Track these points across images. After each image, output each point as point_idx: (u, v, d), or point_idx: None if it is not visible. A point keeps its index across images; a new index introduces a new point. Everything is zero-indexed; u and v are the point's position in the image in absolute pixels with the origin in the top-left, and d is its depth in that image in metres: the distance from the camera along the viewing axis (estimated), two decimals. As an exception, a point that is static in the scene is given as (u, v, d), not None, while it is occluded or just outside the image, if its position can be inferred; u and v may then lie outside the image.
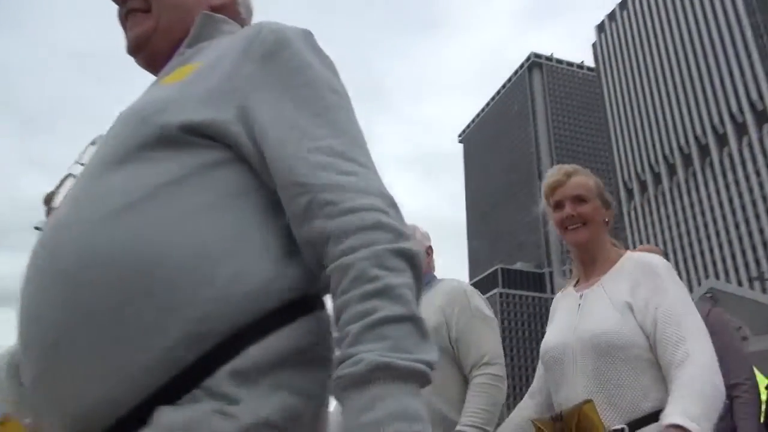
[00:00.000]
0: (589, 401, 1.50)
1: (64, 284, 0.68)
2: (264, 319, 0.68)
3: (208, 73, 0.80)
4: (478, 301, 2.19)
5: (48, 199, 0.95)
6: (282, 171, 0.72)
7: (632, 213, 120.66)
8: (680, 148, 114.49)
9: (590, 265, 1.80)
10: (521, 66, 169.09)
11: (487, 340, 2.04)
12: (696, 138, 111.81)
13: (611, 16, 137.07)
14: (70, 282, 0.67)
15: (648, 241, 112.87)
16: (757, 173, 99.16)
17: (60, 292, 0.67)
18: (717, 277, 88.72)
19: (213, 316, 0.66)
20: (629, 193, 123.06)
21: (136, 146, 0.74)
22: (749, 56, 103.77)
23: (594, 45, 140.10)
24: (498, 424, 2.00)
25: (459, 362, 2.11)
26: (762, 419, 2.74)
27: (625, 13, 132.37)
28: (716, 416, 1.41)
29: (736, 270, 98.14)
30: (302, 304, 0.72)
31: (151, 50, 0.95)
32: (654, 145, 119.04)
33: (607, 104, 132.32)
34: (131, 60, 0.96)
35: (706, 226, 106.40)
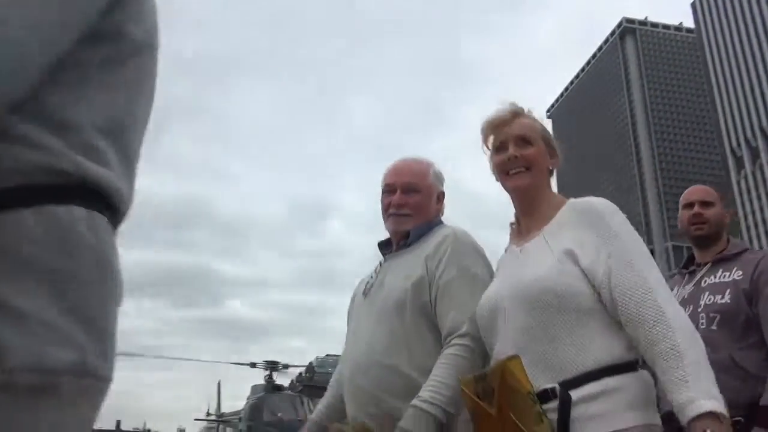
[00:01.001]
0: (514, 357, 1.34)
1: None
2: None
3: None
4: (469, 253, 1.84)
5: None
6: None
7: (742, 183, 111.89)
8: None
9: (531, 215, 1.62)
10: (612, 33, 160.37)
11: (469, 306, 1.67)
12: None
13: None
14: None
15: (762, 213, 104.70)
16: None
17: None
18: None
19: None
20: (738, 161, 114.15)
21: None
22: None
23: (693, 4, 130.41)
24: None
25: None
26: None
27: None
28: None
29: None
30: None
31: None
32: (766, 108, 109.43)
33: (710, 67, 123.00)
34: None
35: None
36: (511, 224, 1.73)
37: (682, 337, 1.26)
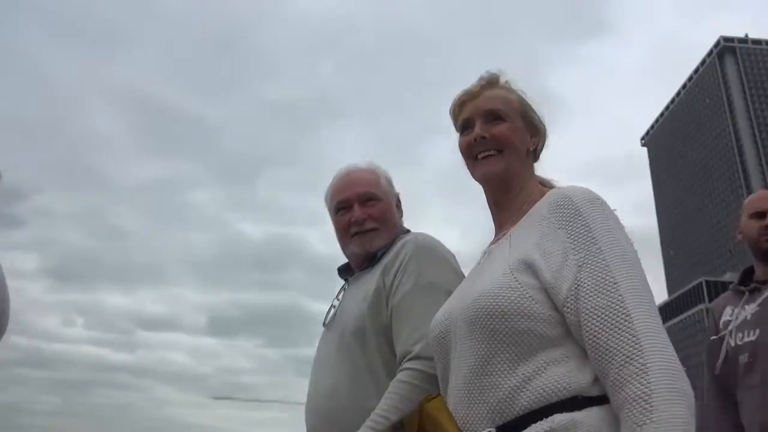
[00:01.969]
0: (434, 397, 1.15)
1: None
2: None
3: None
4: (430, 259, 1.54)
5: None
6: None
7: None
8: None
9: (506, 208, 1.30)
10: (709, 54, 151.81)
11: (427, 321, 1.35)
12: None
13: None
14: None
15: None
16: None
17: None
18: None
19: None
20: None
21: None
22: None
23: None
24: None
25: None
26: None
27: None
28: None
29: None
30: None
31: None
32: None
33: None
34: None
35: None
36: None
37: (660, 383, 0.93)
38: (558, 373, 1.03)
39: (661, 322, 1.01)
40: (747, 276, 2.26)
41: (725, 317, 2.26)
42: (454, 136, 1.36)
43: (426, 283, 1.49)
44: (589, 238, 1.07)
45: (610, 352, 0.98)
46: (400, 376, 1.40)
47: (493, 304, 1.09)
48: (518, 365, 1.06)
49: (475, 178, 1.32)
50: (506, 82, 1.35)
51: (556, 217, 1.13)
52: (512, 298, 1.08)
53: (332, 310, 1.73)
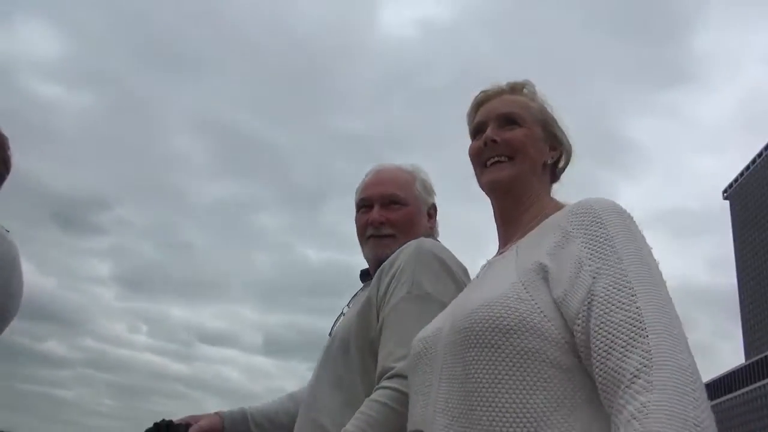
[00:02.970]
0: None
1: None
2: None
3: None
4: (428, 267, 1.36)
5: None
6: None
7: None
8: None
9: (514, 223, 1.15)
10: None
11: (413, 337, 1.18)
12: None
13: None
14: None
15: None
16: None
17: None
18: None
19: None
20: None
21: None
22: None
23: None
24: None
25: None
26: None
27: None
28: None
29: None
30: None
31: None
32: None
33: None
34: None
35: None
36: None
37: (661, 406, 0.72)
38: (577, 416, 0.82)
39: (689, 350, 0.79)
40: None
41: None
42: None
43: (421, 293, 1.31)
44: (608, 247, 0.90)
45: (620, 373, 0.77)
46: (375, 395, 1.23)
47: (497, 315, 0.89)
48: (530, 396, 0.84)
49: (482, 188, 1.18)
50: (530, 89, 1.23)
51: (573, 225, 0.96)
52: (521, 310, 0.88)
53: (341, 318, 1.59)
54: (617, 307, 0.82)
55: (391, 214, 1.53)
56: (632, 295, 0.82)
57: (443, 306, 1.18)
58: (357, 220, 1.60)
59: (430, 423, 0.92)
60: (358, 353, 1.35)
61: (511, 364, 0.86)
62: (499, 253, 1.15)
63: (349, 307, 1.58)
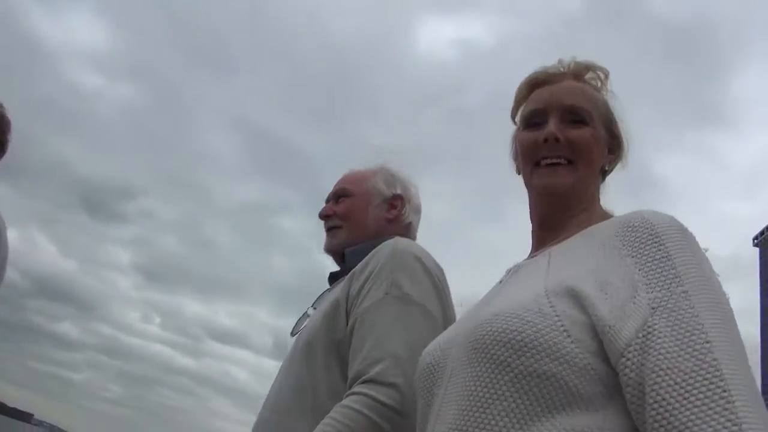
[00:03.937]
0: None
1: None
2: None
3: None
4: (406, 268, 1.25)
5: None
6: None
7: None
8: None
9: (555, 228, 0.96)
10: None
11: (393, 337, 1.11)
12: None
13: None
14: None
15: None
16: None
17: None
18: None
19: None
20: None
21: None
22: None
23: None
24: None
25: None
26: None
27: None
28: None
29: None
30: None
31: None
32: None
33: None
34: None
35: None
36: None
37: None
38: None
39: (758, 393, 0.66)
40: None
41: None
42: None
43: (399, 294, 1.20)
44: (671, 275, 0.72)
45: None
46: (347, 400, 1.10)
47: (509, 328, 0.73)
48: (524, 429, 0.69)
49: (528, 186, 1.00)
50: (597, 75, 1.03)
51: (625, 242, 0.78)
52: (539, 326, 0.72)
53: (305, 319, 1.52)
54: (688, 354, 0.65)
55: (337, 206, 1.56)
56: (706, 342, 0.66)
57: (424, 311, 1.16)
58: None
59: None
60: (323, 357, 1.26)
61: (518, 386, 0.71)
62: (531, 256, 0.99)
63: (314, 309, 1.52)
